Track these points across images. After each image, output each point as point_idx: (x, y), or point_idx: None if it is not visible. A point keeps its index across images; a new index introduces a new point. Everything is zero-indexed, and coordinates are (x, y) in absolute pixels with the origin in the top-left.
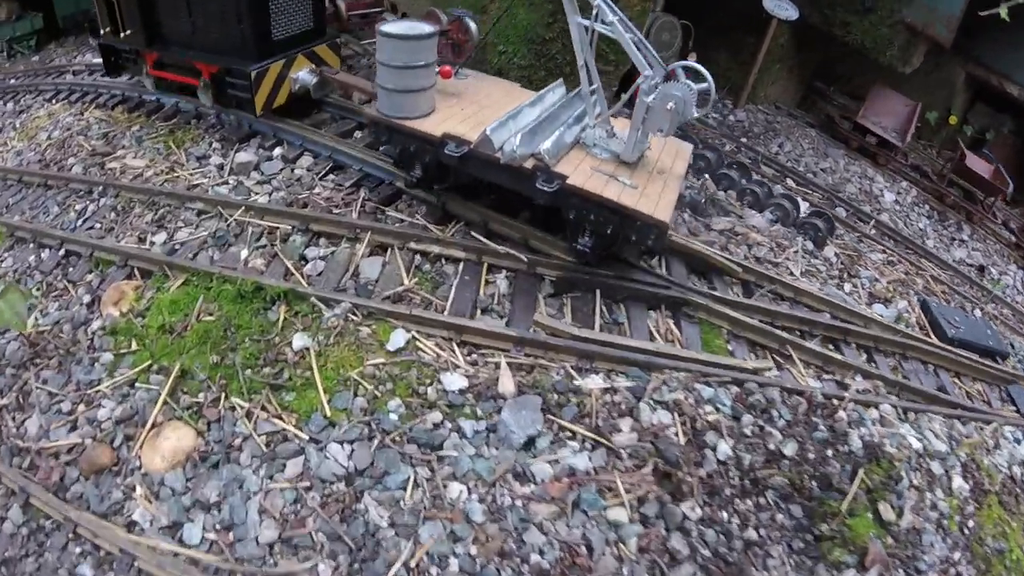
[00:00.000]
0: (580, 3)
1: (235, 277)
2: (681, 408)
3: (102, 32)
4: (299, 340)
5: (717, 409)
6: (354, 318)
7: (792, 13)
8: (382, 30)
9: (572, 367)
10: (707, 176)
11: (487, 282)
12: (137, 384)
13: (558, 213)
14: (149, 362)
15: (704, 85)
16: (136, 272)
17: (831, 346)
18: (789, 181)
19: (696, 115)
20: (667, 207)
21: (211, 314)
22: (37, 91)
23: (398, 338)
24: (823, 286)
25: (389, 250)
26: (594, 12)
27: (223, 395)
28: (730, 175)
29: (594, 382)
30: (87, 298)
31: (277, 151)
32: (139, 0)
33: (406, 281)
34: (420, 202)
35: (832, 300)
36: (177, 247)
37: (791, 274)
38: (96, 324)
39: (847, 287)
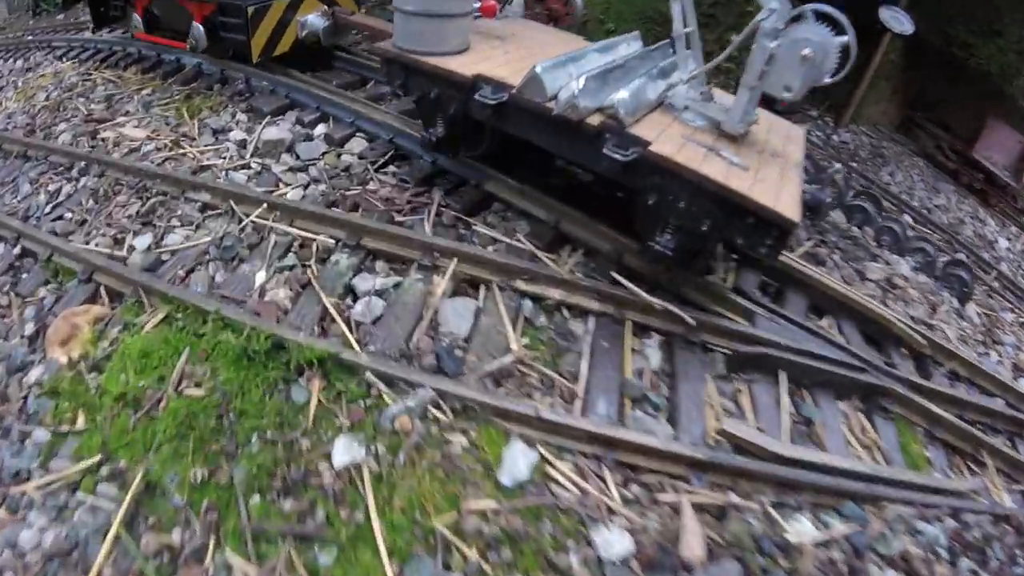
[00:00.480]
0: None
1: (241, 323)
2: (911, 566)
3: None
4: (343, 450)
5: (937, 555)
6: (440, 415)
7: (908, 27)
8: None
9: (770, 503)
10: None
11: (633, 351)
12: (79, 492)
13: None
14: (99, 456)
15: (844, 38)
16: (103, 292)
17: (1009, 443)
18: (906, 217)
19: (829, 80)
20: (792, 200)
21: (199, 383)
22: (49, 47)
23: (516, 460)
24: (980, 358)
25: (483, 288)
26: None
27: (212, 542)
28: (864, 207)
29: (803, 529)
30: (31, 327)
31: (320, 129)
32: None
33: (514, 344)
34: (518, 213)
35: (1003, 381)
36: (164, 257)
37: (949, 341)
38: (35, 373)
39: (993, 356)
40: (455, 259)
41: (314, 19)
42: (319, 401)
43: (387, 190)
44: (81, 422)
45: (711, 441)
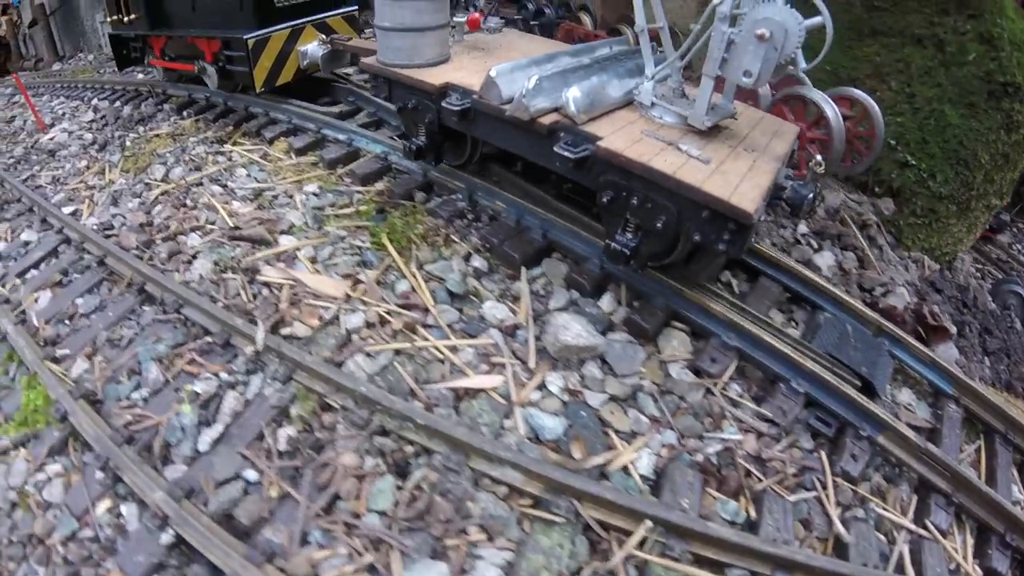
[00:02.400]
0: None
1: None
2: None
3: (108, 20)
4: None
5: None
6: None
7: None
8: None
9: None
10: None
11: None
12: None
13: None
14: None
15: (816, 20)
16: None
17: None
18: None
19: (804, 66)
20: (753, 192)
21: None
22: (165, 96)
23: None
24: None
25: None
26: None
27: None
28: None
29: None
30: None
31: (607, 300)
32: None
33: None
34: None
35: None
36: None
37: None
38: None
39: None
40: None
41: (313, 48)
42: None
43: (753, 441)
44: None
45: None
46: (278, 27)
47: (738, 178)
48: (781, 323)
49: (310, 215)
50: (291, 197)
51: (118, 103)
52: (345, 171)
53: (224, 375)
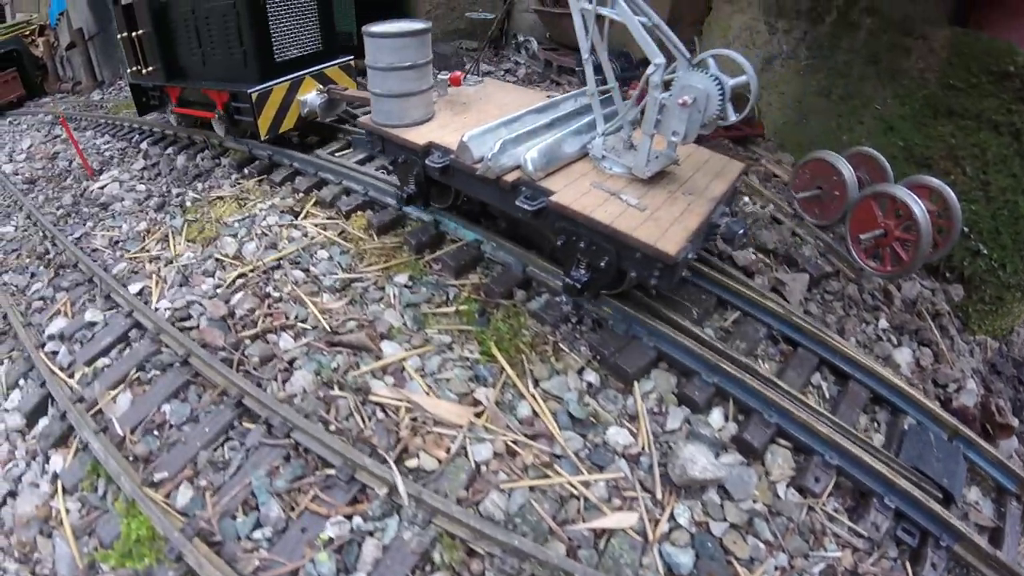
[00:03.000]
0: None
1: None
2: None
3: (129, 71)
4: None
5: None
6: None
7: None
8: (366, 30)
9: None
10: None
11: None
12: None
13: None
14: None
15: (742, 79)
16: None
17: None
18: None
19: (735, 118)
20: (678, 235)
21: None
22: (222, 149)
23: None
24: None
25: None
26: None
27: None
28: None
29: None
30: None
31: (723, 421)
32: (156, 34)
33: None
34: None
35: None
36: None
37: None
38: None
39: None
40: None
41: (312, 98)
42: None
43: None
44: None
45: None
46: (279, 80)
47: (669, 222)
48: (865, 425)
49: (408, 315)
50: (382, 289)
51: (170, 150)
52: (433, 257)
53: (358, 519)
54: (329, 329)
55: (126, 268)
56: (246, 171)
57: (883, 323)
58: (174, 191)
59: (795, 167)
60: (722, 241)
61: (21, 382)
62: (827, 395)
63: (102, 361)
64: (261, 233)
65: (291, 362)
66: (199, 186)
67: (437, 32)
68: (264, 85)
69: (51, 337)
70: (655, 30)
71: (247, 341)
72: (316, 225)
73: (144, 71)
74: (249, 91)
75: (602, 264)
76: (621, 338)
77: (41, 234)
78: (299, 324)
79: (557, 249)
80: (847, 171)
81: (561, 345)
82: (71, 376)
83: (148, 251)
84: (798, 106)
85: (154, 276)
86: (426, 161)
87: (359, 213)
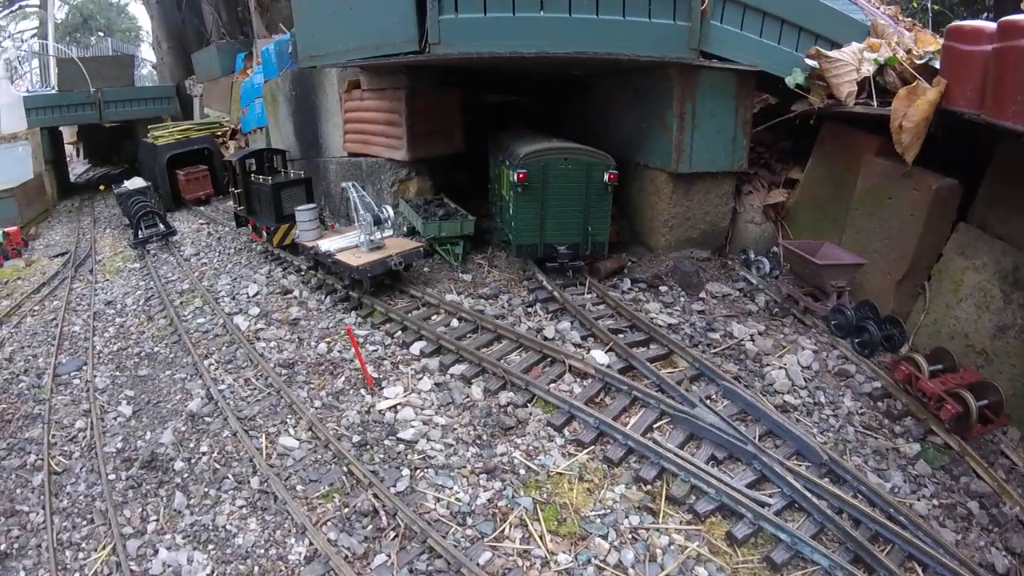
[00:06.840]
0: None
1: None
2: None
3: (236, 209)
4: None
5: None
6: None
7: None
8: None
9: None
10: None
11: None
12: None
13: None
14: None
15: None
16: None
17: None
18: None
19: (388, 233)
20: (366, 266)
21: None
22: (530, 395)
23: None
24: None
25: None
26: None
27: None
28: None
29: None
30: None
31: None
32: (245, 191)
33: None
34: None
35: None
36: None
37: None
38: None
39: None
40: None
41: (296, 232)
42: None
43: None
44: None
45: None
46: (285, 222)
47: (364, 260)
48: None
49: None
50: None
51: (476, 382)
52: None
53: None
54: None
55: (498, 565)
56: (570, 448)
57: None
58: (494, 441)
59: None
60: (399, 267)
61: None
62: None
63: None
64: (628, 537)
65: None
66: (518, 441)
67: (671, 241)
68: (279, 224)
69: None
70: (363, 199)
71: None
72: (678, 532)
73: (237, 208)
74: (271, 226)
75: (352, 278)
76: None
77: (346, 470)
78: None
79: (332, 272)
80: None
81: None
82: None
83: (509, 539)
84: None
85: None
86: (312, 253)
87: (715, 518)
